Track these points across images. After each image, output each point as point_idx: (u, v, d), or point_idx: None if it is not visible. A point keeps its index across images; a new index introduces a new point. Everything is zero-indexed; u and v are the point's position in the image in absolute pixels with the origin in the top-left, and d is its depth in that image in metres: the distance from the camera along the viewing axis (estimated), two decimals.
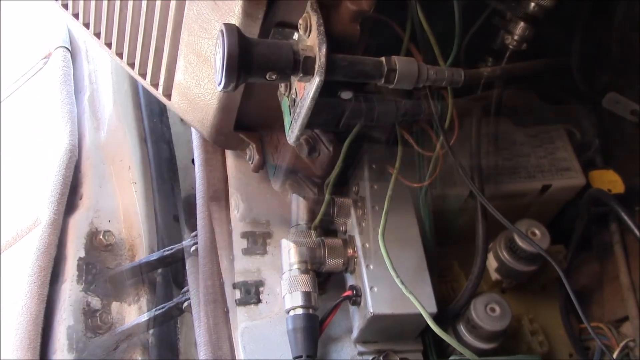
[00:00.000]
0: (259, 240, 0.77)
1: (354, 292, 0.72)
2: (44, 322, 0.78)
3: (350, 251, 0.73)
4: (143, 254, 0.87)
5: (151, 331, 0.84)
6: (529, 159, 0.85)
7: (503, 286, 0.84)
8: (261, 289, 0.76)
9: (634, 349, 0.81)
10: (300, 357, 0.68)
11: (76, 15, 0.89)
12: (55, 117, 0.95)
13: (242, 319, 0.74)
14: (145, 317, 0.82)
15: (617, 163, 0.91)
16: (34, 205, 0.87)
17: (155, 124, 0.99)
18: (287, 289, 0.71)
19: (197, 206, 0.78)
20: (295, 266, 0.71)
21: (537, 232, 0.79)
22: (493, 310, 0.74)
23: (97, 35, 0.86)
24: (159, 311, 0.81)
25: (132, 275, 0.86)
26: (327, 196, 0.76)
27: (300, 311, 0.70)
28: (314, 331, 0.69)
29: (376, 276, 0.71)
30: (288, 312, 0.70)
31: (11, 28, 1.16)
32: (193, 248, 0.79)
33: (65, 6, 0.90)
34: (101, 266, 0.86)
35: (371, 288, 0.70)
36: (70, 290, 0.81)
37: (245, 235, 0.77)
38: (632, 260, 0.86)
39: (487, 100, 0.81)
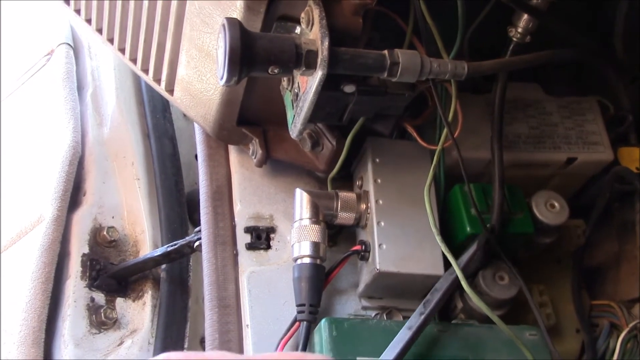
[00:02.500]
0: (262, 235, 0.77)
1: (363, 247, 0.72)
2: (48, 319, 0.78)
3: (363, 206, 0.74)
4: (147, 250, 0.87)
5: (163, 266, 0.85)
6: (556, 129, 0.84)
7: (519, 255, 0.83)
8: (272, 235, 0.77)
9: None
10: (303, 305, 0.68)
11: (78, 12, 0.89)
12: (58, 114, 0.95)
13: (250, 263, 0.74)
14: (157, 252, 0.83)
15: None
16: (38, 202, 0.87)
17: (159, 120, 0.99)
18: (296, 237, 0.71)
19: (201, 201, 0.78)
20: (307, 216, 0.71)
21: (556, 204, 0.78)
22: (502, 278, 0.74)
23: (100, 31, 0.86)
24: (171, 248, 0.81)
25: (137, 271, 0.86)
26: (330, 191, 0.76)
27: (307, 260, 0.70)
28: (319, 281, 0.70)
29: (386, 234, 0.71)
30: (295, 260, 0.70)
31: (13, 25, 1.16)
32: (197, 243, 0.79)
33: (68, 3, 0.89)
34: (105, 262, 0.86)
35: (380, 245, 0.70)
36: (74, 286, 0.82)
37: (249, 230, 0.77)
38: None
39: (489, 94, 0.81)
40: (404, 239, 0.72)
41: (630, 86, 0.89)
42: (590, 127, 0.86)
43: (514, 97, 0.84)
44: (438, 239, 0.69)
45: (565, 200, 0.80)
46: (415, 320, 0.66)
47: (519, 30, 0.76)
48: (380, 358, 0.64)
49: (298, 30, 0.66)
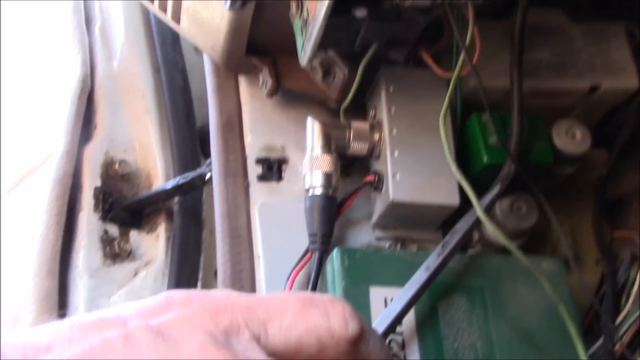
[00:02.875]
0: (274, 166, 0.76)
1: (377, 177, 0.71)
2: (62, 251, 0.79)
3: (376, 136, 0.72)
4: (160, 183, 0.87)
5: (176, 199, 0.84)
6: (580, 56, 0.80)
7: (538, 186, 0.81)
8: (284, 166, 0.76)
9: None
10: (315, 235, 0.67)
11: None
12: (66, 48, 0.94)
13: (261, 195, 0.74)
14: (169, 184, 0.82)
15: None
16: (48, 137, 0.86)
17: (168, 53, 0.97)
18: (308, 168, 0.69)
19: (211, 133, 0.76)
20: (319, 146, 0.70)
21: (577, 133, 0.75)
22: (520, 208, 0.72)
23: None
24: (183, 180, 0.81)
25: (149, 203, 0.86)
26: (342, 121, 0.74)
27: (319, 191, 0.69)
28: (331, 212, 0.69)
29: (400, 163, 0.69)
30: (307, 191, 0.69)
31: None
32: (208, 176, 0.78)
33: None
34: (118, 195, 0.86)
35: (394, 175, 0.69)
36: (87, 219, 0.82)
37: (260, 161, 0.76)
38: None
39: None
40: (418, 169, 0.70)
41: None
42: (616, 54, 0.82)
43: (535, 21, 0.80)
44: (453, 167, 0.67)
45: (588, 130, 0.77)
46: (433, 261, 0.65)
47: None
48: (396, 298, 0.63)
49: None
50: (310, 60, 0.66)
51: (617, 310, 0.79)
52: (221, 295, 0.40)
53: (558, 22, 0.84)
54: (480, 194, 0.72)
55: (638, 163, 0.88)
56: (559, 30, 0.83)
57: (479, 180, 0.73)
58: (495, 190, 0.72)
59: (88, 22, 0.99)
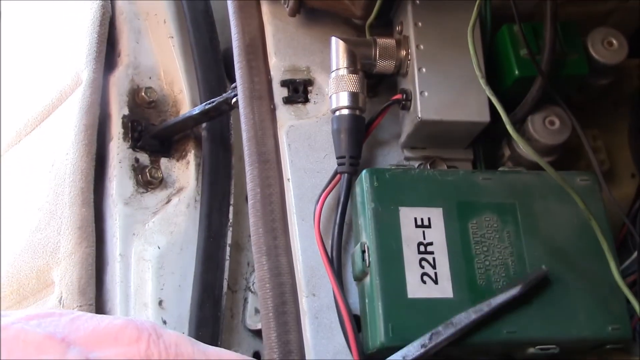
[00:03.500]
0: (300, 88, 0.74)
1: (404, 95, 0.69)
2: (95, 180, 0.80)
3: (403, 52, 0.70)
4: (186, 109, 0.87)
5: (204, 125, 0.85)
6: None
7: (572, 99, 0.79)
8: (310, 88, 0.75)
9: None
10: (344, 157, 0.67)
11: None
12: None
13: (288, 117, 0.73)
14: (196, 110, 0.82)
15: None
16: (73, 65, 0.86)
17: None
18: (333, 88, 0.68)
19: (234, 55, 0.75)
20: (344, 65, 0.68)
21: (614, 41, 0.72)
22: (552, 123, 0.70)
23: None
24: (209, 105, 0.81)
25: (178, 130, 0.86)
26: (367, 38, 0.72)
27: (345, 112, 0.68)
28: (359, 133, 0.68)
29: (428, 80, 0.68)
30: (334, 112, 0.69)
31: None
32: (234, 100, 0.77)
33: None
34: (146, 123, 0.86)
35: (422, 92, 0.67)
36: (117, 147, 0.82)
37: (285, 83, 0.74)
38: None
39: None
40: (447, 85, 0.68)
41: None
42: None
43: None
44: (482, 82, 0.65)
45: (625, 38, 0.73)
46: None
47: None
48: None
49: None
50: None
51: None
52: (172, 342, 0.40)
53: None
54: (512, 108, 0.70)
55: None
56: None
57: (510, 94, 0.71)
58: (526, 105, 0.70)
59: None
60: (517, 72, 0.70)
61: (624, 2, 0.77)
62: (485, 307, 0.60)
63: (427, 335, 0.58)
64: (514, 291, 0.61)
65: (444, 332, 0.58)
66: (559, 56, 0.70)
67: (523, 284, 0.61)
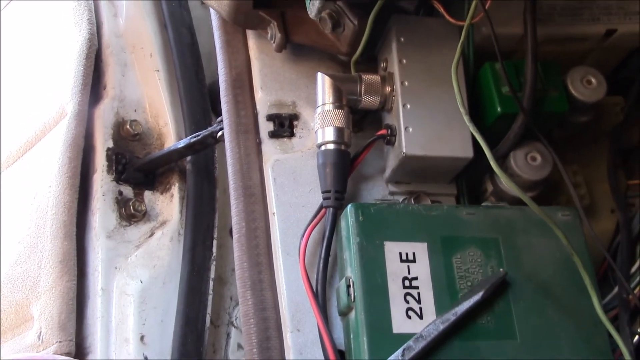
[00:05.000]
0: (285, 122, 0.75)
1: (389, 131, 0.70)
2: (78, 213, 0.79)
3: (388, 88, 0.71)
4: (172, 143, 0.87)
5: (188, 158, 0.85)
6: (595, 0, 0.79)
7: (553, 135, 0.80)
8: (295, 122, 0.76)
9: None
10: (329, 191, 0.67)
11: None
12: (71, 7, 0.92)
13: (273, 152, 0.74)
14: (181, 143, 0.82)
15: None
16: (59, 98, 0.86)
17: (175, 9, 0.95)
18: (319, 123, 0.69)
19: (221, 90, 0.75)
20: (330, 100, 0.69)
21: (593, 80, 0.74)
22: (534, 159, 0.72)
23: None
24: (194, 139, 0.81)
25: (162, 163, 0.86)
26: (353, 74, 0.73)
27: (331, 146, 0.68)
28: (344, 167, 0.68)
29: (413, 116, 0.69)
30: (319, 147, 0.69)
31: None
32: (220, 133, 0.78)
33: None
34: (130, 156, 0.86)
35: (406, 128, 0.68)
36: (101, 180, 0.82)
37: (271, 117, 0.75)
38: None
39: None
40: (431, 121, 0.69)
41: None
42: None
43: None
44: (466, 119, 0.66)
45: (603, 76, 0.75)
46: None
47: None
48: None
49: None
50: (320, 11, 0.65)
51: (632, 259, 0.79)
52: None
53: None
54: (494, 144, 0.71)
55: None
56: None
57: (493, 130, 0.72)
58: (509, 141, 0.72)
59: None
60: (499, 109, 0.71)
61: (601, 42, 0.79)
62: (451, 316, 0.60)
63: (400, 351, 0.58)
64: (477, 297, 0.61)
65: (416, 345, 0.59)
66: (540, 93, 0.72)
67: (485, 289, 0.61)
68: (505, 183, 0.69)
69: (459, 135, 0.69)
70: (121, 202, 0.82)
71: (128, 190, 0.84)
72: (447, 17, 0.71)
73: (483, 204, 0.73)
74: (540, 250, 0.67)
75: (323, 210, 0.68)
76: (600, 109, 0.79)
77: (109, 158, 0.84)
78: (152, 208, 0.84)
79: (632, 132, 0.87)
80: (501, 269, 0.64)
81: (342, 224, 0.66)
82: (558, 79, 0.74)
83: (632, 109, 0.83)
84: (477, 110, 0.73)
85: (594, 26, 0.78)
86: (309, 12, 0.65)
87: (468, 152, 0.69)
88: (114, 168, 0.84)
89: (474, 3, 0.69)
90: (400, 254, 0.63)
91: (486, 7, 0.68)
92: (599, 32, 0.78)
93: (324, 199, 0.68)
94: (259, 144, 0.74)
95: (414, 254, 0.64)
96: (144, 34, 0.92)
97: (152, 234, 0.82)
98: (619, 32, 0.78)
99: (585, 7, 0.78)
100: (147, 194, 0.85)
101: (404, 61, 0.71)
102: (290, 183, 0.72)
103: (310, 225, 0.68)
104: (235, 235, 0.69)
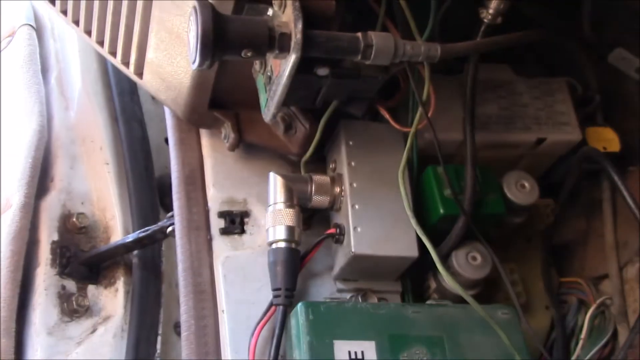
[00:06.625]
0: (236, 220, 0.76)
1: (338, 230, 0.72)
2: (19, 308, 0.77)
3: (337, 189, 0.74)
4: (118, 236, 0.86)
5: (135, 252, 0.84)
6: (527, 110, 0.85)
7: (490, 235, 0.84)
8: (246, 219, 0.77)
9: (610, 307, 0.84)
10: (279, 289, 0.68)
11: None
12: (22, 98, 0.92)
13: (224, 248, 0.74)
14: (129, 238, 0.82)
15: (617, 121, 0.90)
16: (4, 189, 0.85)
17: (126, 103, 0.97)
18: (270, 222, 0.71)
19: (173, 186, 0.76)
20: (281, 200, 0.71)
21: (526, 184, 0.79)
22: (474, 258, 0.75)
23: (64, 13, 0.84)
24: (143, 233, 0.80)
25: (108, 257, 0.85)
26: (303, 174, 0.76)
27: (282, 245, 0.70)
28: (294, 265, 0.70)
29: (361, 216, 0.71)
30: (270, 244, 0.70)
31: None
32: (170, 229, 0.78)
33: None
34: (76, 249, 0.84)
35: (355, 228, 0.71)
36: (44, 274, 0.80)
37: (222, 214, 0.76)
38: (619, 220, 0.87)
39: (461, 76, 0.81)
40: (378, 222, 0.72)
41: (598, 66, 0.90)
42: (560, 108, 0.87)
43: (484, 77, 0.85)
44: (413, 222, 0.69)
45: (535, 180, 0.81)
46: None
47: (490, 11, 0.76)
48: None
49: (270, 12, 0.65)
50: (274, 116, 0.68)
51: (567, 355, 0.82)
52: None
53: (506, 78, 0.89)
54: (436, 242, 0.74)
55: (581, 210, 0.92)
56: (506, 85, 0.88)
57: (435, 229, 0.76)
58: (450, 241, 0.75)
59: (44, 71, 0.98)
60: (442, 211, 0.75)
61: (532, 149, 0.85)
62: None
63: None
64: None
65: None
66: (479, 196, 0.76)
67: None
68: (448, 282, 0.72)
69: (405, 235, 0.72)
70: (64, 297, 0.80)
71: (71, 285, 0.82)
72: (393, 123, 0.75)
73: (427, 301, 0.76)
74: (482, 349, 0.69)
75: (273, 308, 0.69)
76: (534, 211, 0.85)
77: (53, 251, 0.82)
78: (96, 303, 0.83)
79: (561, 231, 0.92)
80: None
81: (292, 322, 0.66)
82: (495, 183, 0.79)
83: (562, 210, 0.88)
84: (420, 211, 0.77)
85: (525, 134, 0.85)
86: (264, 117, 0.68)
87: (414, 252, 0.72)
88: (57, 262, 0.82)
89: (419, 112, 0.74)
90: (350, 352, 0.64)
91: (429, 115, 0.73)
92: (531, 140, 0.85)
93: (274, 296, 0.69)
94: (209, 241, 0.75)
95: (362, 352, 0.65)
96: (95, 127, 0.93)
97: (94, 330, 0.80)
98: (548, 140, 0.85)
99: (518, 116, 0.85)
100: (91, 288, 0.83)
101: (353, 164, 0.75)
102: (240, 280, 0.72)
103: (260, 324, 0.68)
104: (184, 333, 0.68)
